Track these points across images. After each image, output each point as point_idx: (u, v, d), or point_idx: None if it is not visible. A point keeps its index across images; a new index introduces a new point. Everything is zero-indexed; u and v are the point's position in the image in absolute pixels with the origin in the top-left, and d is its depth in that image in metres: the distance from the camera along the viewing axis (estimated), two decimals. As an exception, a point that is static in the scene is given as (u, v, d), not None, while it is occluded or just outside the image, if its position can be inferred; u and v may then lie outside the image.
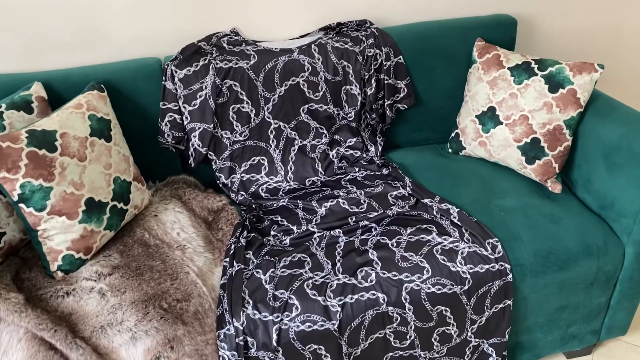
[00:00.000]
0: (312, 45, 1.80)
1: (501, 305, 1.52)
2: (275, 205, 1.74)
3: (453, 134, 1.93)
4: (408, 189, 1.72)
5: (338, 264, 1.49)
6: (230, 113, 1.76)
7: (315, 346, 1.39)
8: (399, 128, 1.97)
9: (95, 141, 1.45)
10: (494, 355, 1.60)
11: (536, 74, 1.71)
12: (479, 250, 1.51)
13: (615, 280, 1.66)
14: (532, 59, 1.75)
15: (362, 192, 1.72)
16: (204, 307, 1.38)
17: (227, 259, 1.50)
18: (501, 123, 1.75)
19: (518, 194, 1.72)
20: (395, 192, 1.72)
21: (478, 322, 1.53)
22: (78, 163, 1.40)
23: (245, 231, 1.57)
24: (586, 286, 1.62)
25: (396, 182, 1.76)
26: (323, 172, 1.85)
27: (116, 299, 1.34)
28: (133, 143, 1.65)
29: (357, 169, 1.85)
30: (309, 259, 1.50)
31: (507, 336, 1.57)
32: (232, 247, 1.52)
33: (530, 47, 2.11)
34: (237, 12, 1.80)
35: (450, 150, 1.95)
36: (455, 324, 1.51)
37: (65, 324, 1.29)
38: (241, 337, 1.34)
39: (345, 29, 1.86)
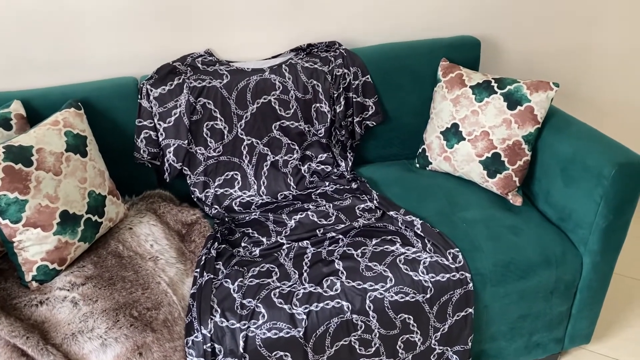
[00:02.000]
0: (283, 65, 1.88)
1: (463, 314, 1.58)
2: (247, 218, 1.81)
3: (420, 150, 2.00)
4: (375, 202, 1.79)
5: (305, 274, 1.54)
6: (204, 130, 1.83)
7: (282, 353, 1.44)
8: (368, 144, 2.05)
9: (70, 156, 1.52)
10: (458, 362, 1.65)
11: (496, 92, 1.79)
12: (441, 259, 1.58)
13: (575, 290, 1.73)
14: (492, 78, 1.84)
15: (331, 205, 1.79)
16: (173, 316, 1.44)
17: (198, 270, 1.55)
18: (464, 139, 1.83)
19: (481, 206, 1.79)
20: (362, 205, 1.79)
21: (441, 329, 1.58)
22: (53, 177, 1.46)
23: (217, 242, 1.63)
24: (546, 295, 1.68)
25: (364, 195, 1.83)
26: (295, 187, 1.92)
27: (88, 308, 1.39)
28: (110, 158, 1.71)
29: (327, 183, 1.92)
30: (277, 269, 1.56)
31: (470, 343, 1.63)
32: (203, 257, 1.58)
33: (494, 67, 2.21)
34: (211, 34, 1.88)
35: (417, 165, 2.02)
36: (418, 331, 1.56)
37: (38, 331, 1.34)
38: (209, 344, 1.39)
39: (316, 50, 1.95)
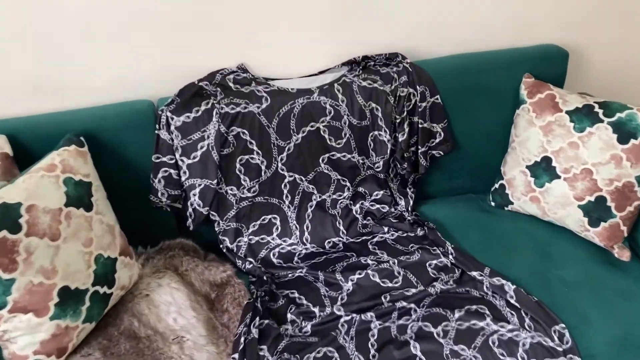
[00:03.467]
0: (335, 85, 1.51)
1: (569, 405, 1.25)
2: (290, 275, 1.46)
3: (497, 185, 1.65)
4: (450, 257, 1.44)
5: (373, 361, 1.20)
6: (237, 165, 1.47)
7: None
8: (431, 176, 1.69)
9: (72, 212, 1.16)
10: None
11: (601, 121, 1.44)
12: (544, 340, 1.24)
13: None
14: (594, 102, 1.48)
15: (395, 260, 1.44)
16: None
17: (236, 356, 1.21)
18: (559, 177, 1.48)
19: (580, 262, 1.44)
20: (435, 261, 1.44)
21: None
22: (49, 244, 1.10)
23: (257, 317, 1.28)
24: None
25: (435, 247, 1.48)
26: (345, 232, 1.57)
27: (97, 420, 1.05)
28: (119, 203, 1.35)
29: (386, 229, 1.57)
30: (336, 354, 1.22)
31: None
32: (242, 339, 1.23)
33: (580, 84, 1.84)
34: (244, 44, 1.51)
35: (492, 203, 1.67)
36: None
37: None
38: None
39: (373, 63, 1.58)
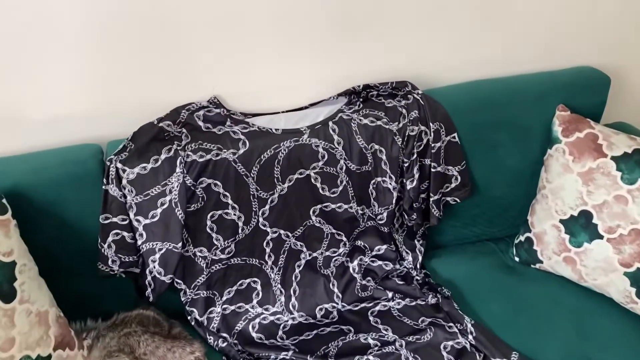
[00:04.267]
0: (330, 123, 1.23)
1: None
2: (272, 358, 1.18)
3: (522, 238, 1.38)
4: (470, 337, 1.18)
5: None
6: (208, 223, 1.19)
7: None
8: (443, 223, 1.41)
9: (-16, 309, 0.88)
10: None
11: (657, 171, 1.17)
12: None
13: None
14: (647, 145, 1.21)
15: (403, 342, 1.17)
16: None
17: None
18: (601, 237, 1.21)
19: (626, 343, 1.19)
20: (451, 343, 1.17)
21: None
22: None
23: None
24: None
25: (451, 324, 1.21)
26: (340, 297, 1.30)
27: None
28: (59, 273, 1.08)
29: (389, 294, 1.30)
30: None
31: None
32: None
33: (619, 113, 1.55)
34: (217, 71, 1.21)
35: (517, 259, 1.41)
36: None
37: None
38: None
39: (376, 94, 1.29)
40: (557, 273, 1.34)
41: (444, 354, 1.16)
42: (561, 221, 1.28)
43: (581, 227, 1.25)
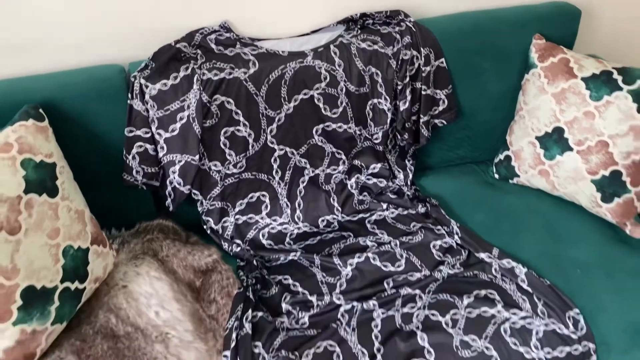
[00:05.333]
0: (331, 46, 1.35)
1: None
2: (282, 259, 1.33)
3: (502, 156, 1.54)
4: (456, 237, 1.34)
5: (378, 355, 1.10)
6: (222, 139, 1.31)
7: None
8: (431, 146, 1.56)
9: (33, 200, 1.00)
10: None
11: (621, 89, 1.32)
12: (558, 327, 1.16)
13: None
14: (613, 67, 1.36)
15: (397, 242, 1.33)
16: None
17: (228, 354, 1.09)
18: (571, 149, 1.37)
19: (592, 241, 1.36)
20: (439, 242, 1.33)
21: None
22: (8, 238, 0.95)
23: (250, 309, 1.16)
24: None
25: (439, 226, 1.37)
26: (340, 209, 1.44)
27: None
28: (87, 183, 1.19)
29: (384, 205, 1.44)
30: (338, 349, 1.12)
31: None
32: (234, 335, 1.11)
33: (590, 46, 1.70)
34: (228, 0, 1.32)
35: (497, 176, 1.56)
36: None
37: None
38: None
39: (372, 22, 1.41)
40: (532, 186, 1.50)
41: (434, 251, 1.32)
42: (537, 138, 1.43)
43: (554, 141, 1.40)
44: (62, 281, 1.03)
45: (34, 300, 0.98)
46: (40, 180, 1.03)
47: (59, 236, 1.04)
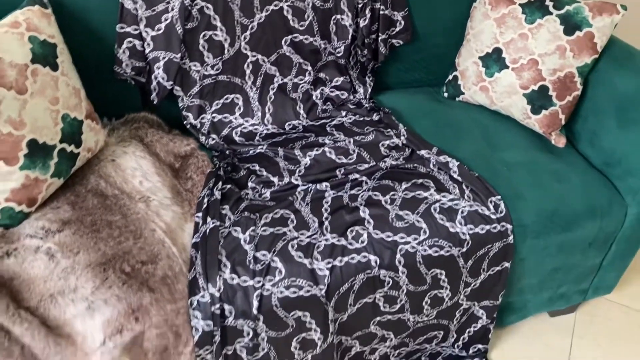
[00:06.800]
0: (299, -38, 1.54)
1: (498, 268, 1.41)
2: (252, 151, 1.53)
3: (451, 77, 1.74)
4: (402, 137, 1.54)
5: (326, 222, 1.31)
6: (201, 41, 1.50)
7: (300, 313, 1.24)
8: (390, 67, 1.76)
9: (38, 69, 1.19)
10: (484, 317, 1.50)
11: (551, 13, 1.52)
12: (481, 209, 1.37)
13: (612, 241, 1.57)
14: (546, -5, 1.55)
15: (351, 140, 1.53)
16: (173, 271, 1.19)
17: (200, 214, 1.30)
18: (507, 67, 1.57)
19: (521, 147, 1.57)
20: (388, 142, 1.54)
21: (472, 284, 1.41)
22: (17, 96, 1.14)
23: (220, 182, 1.37)
24: (584, 247, 1.52)
25: (389, 129, 1.57)
26: (305, 116, 1.64)
27: (68, 261, 1.13)
28: (84, 73, 1.37)
29: (344, 113, 1.64)
30: (292, 216, 1.32)
31: (500, 299, 1.47)
32: (205, 200, 1.32)
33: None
34: None
35: (446, 94, 1.76)
36: (448, 286, 1.39)
37: (6, 291, 1.08)
38: (217, 305, 1.16)
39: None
40: (475, 102, 1.70)
41: (382, 148, 1.52)
42: (479, 57, 1.63)
43: (494, 60, 1.60)
44: (60, 141, 1.22)
45: (37, 151, 1.17)
46: (44, 55, 1.21)
47: (59, 104, 1.23)
